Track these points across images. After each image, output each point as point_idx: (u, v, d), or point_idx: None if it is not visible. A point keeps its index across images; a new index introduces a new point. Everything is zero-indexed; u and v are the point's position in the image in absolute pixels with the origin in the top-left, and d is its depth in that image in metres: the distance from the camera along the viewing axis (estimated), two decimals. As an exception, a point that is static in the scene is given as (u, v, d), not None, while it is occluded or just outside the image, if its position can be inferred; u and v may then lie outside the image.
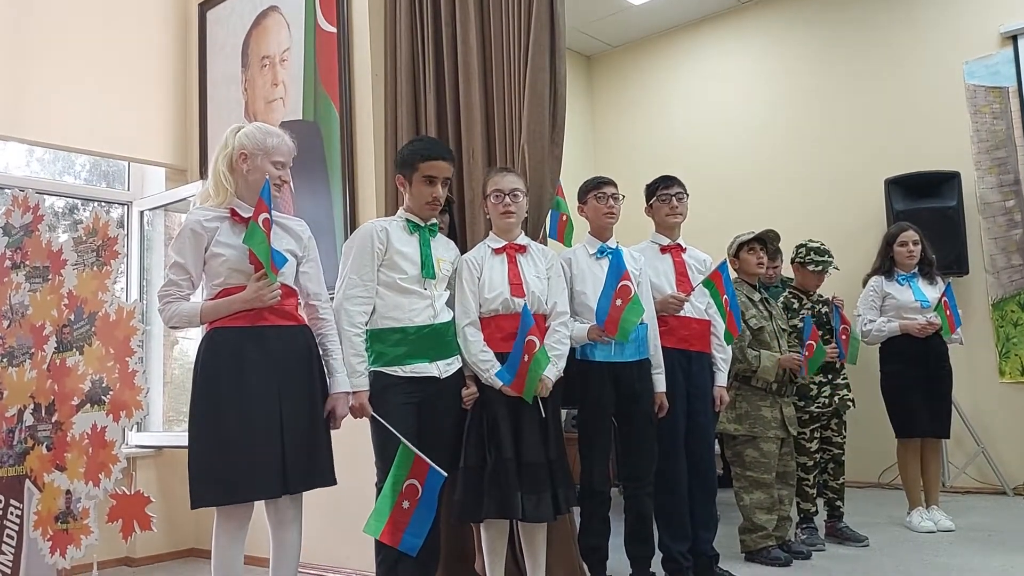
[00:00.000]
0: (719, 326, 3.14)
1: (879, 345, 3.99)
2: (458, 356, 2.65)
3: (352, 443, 2.63)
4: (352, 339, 2.51)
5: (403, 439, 2.39)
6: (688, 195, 3.22)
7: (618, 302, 2.69)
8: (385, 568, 2.52)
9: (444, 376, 2.60)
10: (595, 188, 3.00)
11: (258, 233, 2.31)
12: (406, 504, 2.38)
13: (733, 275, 3.39)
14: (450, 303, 2.69)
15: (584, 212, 3.06)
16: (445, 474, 2.40)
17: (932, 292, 3.92)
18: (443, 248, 2.73)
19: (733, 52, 6.17)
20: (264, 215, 2.33)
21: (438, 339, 2.60)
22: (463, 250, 2.90)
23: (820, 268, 3.78)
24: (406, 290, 2.57)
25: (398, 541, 2.37)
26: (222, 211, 2.42)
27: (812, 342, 3.45)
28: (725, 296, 3.00)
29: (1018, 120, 4.93)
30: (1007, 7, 4.99)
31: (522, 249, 2.79)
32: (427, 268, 2.60)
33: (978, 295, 5.01)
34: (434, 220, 2.70)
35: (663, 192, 3.19)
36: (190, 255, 2.38)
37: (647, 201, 3.25)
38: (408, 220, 2.66)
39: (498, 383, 2.58)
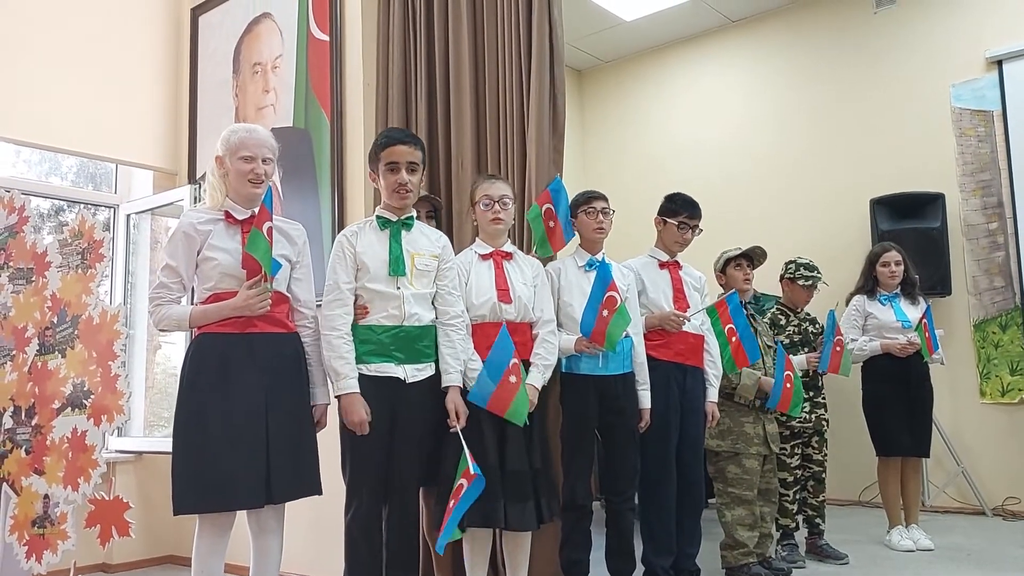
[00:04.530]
0: (712, 343, 3.18)
1: (861, 364, 4.01)
2: (432, 364, 2.56)
3: (335, 451, 2.61)
4: (332, 341, 2.46)
5: (466, 450, 2.40)
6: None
7: (604, 312, 2.70)
8: None
9: (410, 380, 2.50)
10: (585, 203, 3.01)
11: (262, 242, 2.30)
12: (451, 503, 2.40)
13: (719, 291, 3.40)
14: (433, 301, 2.59)
15: (575, 226, 3.08)
16: (483, 482, 2.37)
17: (914, 312, 3.95)
18: (424, 241, 2.62)
19: (723, 70, 6.22)
20: (268, 224, 2.32)
21: (409, 343, 2.50)
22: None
23: (809, 283, 3.80)
24: (375, 292, 2.52)
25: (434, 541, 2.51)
26: (216, 214, 2.42)
27: (789, 372, 3.21)
28: (729, 326, 3.03)
29: (1002, 143, 4.99)
30: (993, 32, 5.06)
31: (508, 256, 2.81)
32: (394, 265, 2.52)
33: (960, 316, 5.05)
34: (410, 213, 2.63)
35: (685, 222, 3.14)
36: (182, 258, 2.37)
37: (663, 215, 3.19)
38: (379, 217, 2.60)
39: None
